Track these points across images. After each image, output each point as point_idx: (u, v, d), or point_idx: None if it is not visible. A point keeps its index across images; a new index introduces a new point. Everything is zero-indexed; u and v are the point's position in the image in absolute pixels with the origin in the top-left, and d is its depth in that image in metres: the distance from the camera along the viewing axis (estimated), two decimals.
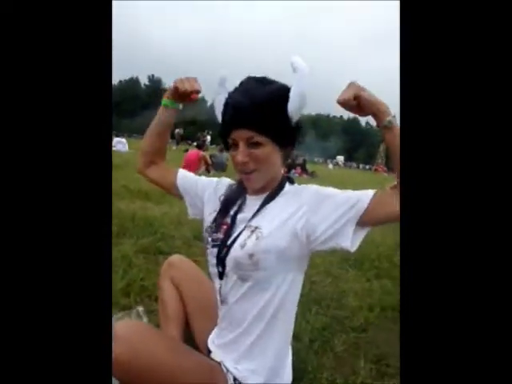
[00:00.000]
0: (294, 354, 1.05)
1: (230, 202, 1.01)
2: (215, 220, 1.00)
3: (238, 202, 1.00)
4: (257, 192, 0.96)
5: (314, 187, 0.93)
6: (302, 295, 1.89)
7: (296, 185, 0.99)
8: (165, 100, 1.04)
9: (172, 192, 1.14)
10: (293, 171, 12.09)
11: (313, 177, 12.57)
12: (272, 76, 0.93)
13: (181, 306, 1.19)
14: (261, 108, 0.85)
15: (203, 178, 1.14)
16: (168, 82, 76.03)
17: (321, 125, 71.82)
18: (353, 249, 0.85)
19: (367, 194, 0.84)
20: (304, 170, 13.13)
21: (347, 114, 76.88)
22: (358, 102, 0.80)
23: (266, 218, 0.92)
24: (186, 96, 1.00)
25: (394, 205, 0.78)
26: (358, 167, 46.95)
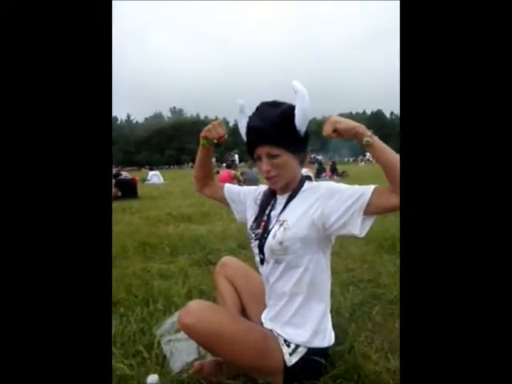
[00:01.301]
0: (335, 327, 1.25)
1: (265, 204, 1.29)
2: (256, 219, 1.29)
3: (271, 203, 1.27)
4: (283, 192, 1.23)
5: (326, 183, 1.17)
6: (339, 281, 2.09)
7: (314, 182, 1.24)
8: (202, 141, 1.34)
9: (223, 202, 1.46)
10: (323, 174, 12.20)
11: (343, 177, 12.59)
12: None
13: (236, 297, 1.44)
14: (274, 128, 1.10)
15: (245, 188, 1.45)
16: (190, 111, 78.64)
17: None
18: (362, 234, 1.04)
19: (369, 189, 1.03)
20: (334, 171, 13.18)
21: (370, 108, 75.35)
22: (337, 132, 1.02)
23: (290, 213, 1.17)
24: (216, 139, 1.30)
25: (388, 199, 0.98)
26: None
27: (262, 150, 1.13)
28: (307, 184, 1.22)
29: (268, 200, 1.29)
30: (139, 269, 2.38)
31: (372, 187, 1.03)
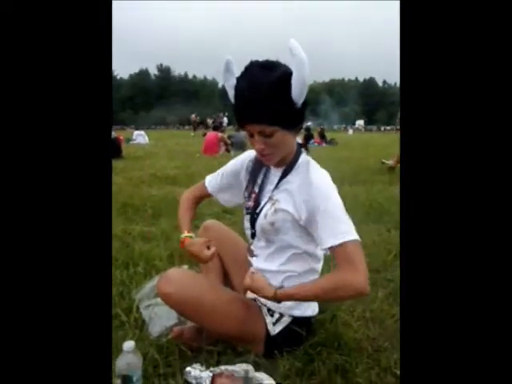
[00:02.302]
0: None
1: (257, 172, 1.20)
2: (247, 188, 1.21)
3: (263, 171, 1.18)
4: (277, 165, 1.12)
5: (316, 184, 1.03)
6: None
7: (309, 158, 1.13)
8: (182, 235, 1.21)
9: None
10: (312, 141, 12.09)
11: (332, 144, 12.53)
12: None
13: (218, 260, 1.39)
14: (267, 102, 0.94)
15: (229, 167, 1.28)
16: (177, 69, 75.64)
17: (336, 90, 69.78)
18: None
19: (337, 242, 0.95)
20: (323, 138, 13.09)
21: (362, 76, 74.16)
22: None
23: (282, 193, 1.10)
24: None
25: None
26: (380, 129, 45.67)
27: (254, 129, 0.99)
28: (303, 156, 1.13)
29: (259, 169, 1.20)
30: (120, 230, 2.32)
31: (339, 243, 0.96)
